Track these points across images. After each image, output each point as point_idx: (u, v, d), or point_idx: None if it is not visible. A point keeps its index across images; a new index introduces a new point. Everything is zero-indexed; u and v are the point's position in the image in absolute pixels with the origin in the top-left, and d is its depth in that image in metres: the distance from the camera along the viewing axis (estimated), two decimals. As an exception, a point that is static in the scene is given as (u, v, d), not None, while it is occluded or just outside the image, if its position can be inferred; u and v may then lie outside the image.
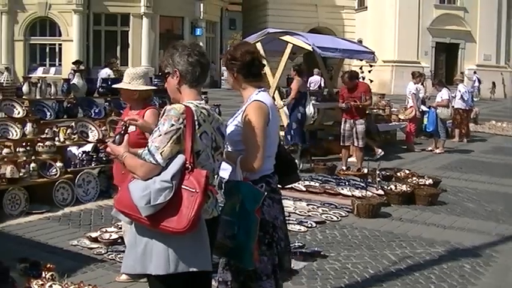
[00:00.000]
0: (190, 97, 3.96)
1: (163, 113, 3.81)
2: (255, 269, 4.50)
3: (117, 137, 4.02)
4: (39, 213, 9.10)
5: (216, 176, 4.05)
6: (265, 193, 4.40)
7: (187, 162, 3.70)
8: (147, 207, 3.63)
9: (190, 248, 3.75)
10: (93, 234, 7.92)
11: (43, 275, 6.14)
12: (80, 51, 40.13)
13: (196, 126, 3.78)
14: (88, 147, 10.86)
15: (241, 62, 4.55)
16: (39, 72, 37.32)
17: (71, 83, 10.94)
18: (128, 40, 41.79)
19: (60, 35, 41.32)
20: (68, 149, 10.70)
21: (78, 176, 9.91)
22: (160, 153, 3.68)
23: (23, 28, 41.02)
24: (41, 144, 9.79)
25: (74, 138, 10.55)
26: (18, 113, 9.87)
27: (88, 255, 7.32)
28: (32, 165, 9.47)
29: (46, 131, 10.11)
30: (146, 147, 3.75)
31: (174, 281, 3.79)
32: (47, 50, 41.93)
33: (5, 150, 9.35)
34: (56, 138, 10.27)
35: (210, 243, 3.93)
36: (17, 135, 9.63)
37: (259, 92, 4.59)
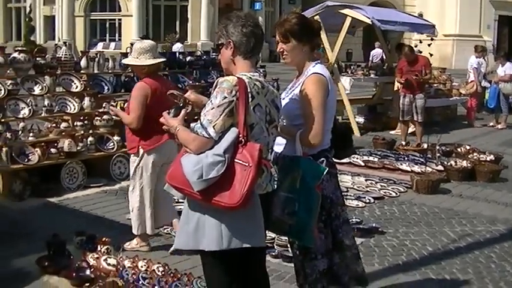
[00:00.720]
0: (244, 69, 3.85)
1: (216, 86, 3.72)
2: (309, 247, 4.41)
3: (173, 109, 3.96)
4: (97, 187, 9.17)
5: (270, 150, 3.94)
6: (327, 168, 4.26)
7: (240, 135, 3.61)
8: (199, 181, 3.55)
9: (244, 223, 3.67)
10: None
11: (98, 248, 6.15)
12: (139, 26, 40.33)
13: (250, 99, 3.68)
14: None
15: (314, 33, 4.48)
16: (99, 47, 37.65)
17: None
18: (187, 15, 41.72)
19: (119, 10, 41.55)
20: (126, 122, 10.71)
21: (135, 150, 9.90)
22: (213, 126, 3.59)
23: (83, 4, 41.45)
24: (99, 118, 9.85)
25: (131, 112, 10.55)
26: (76, 87, 9.91)
27: (144, 229, 7.30)
28: (90, 139, 9.54)
29: (103, 105, 10.15)
30: (199, 121, 3.67)
31: (227, 257, 3.73)
32: (107, 25, 42.24)
33: (63, 124, 9.41)
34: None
35: (264, 219, 3.85)
36: (75, 109, 9.69)
37: (316, 64, 4.46)
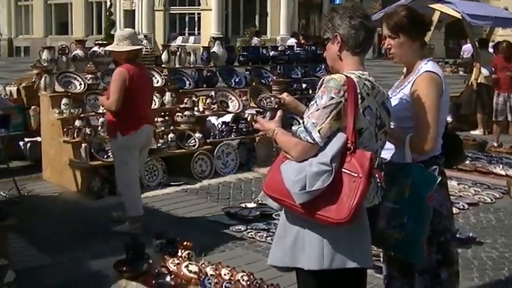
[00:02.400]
0: (353, 66, 3.42)
1: (321, 84, 3.30)
2: (412, 264, 3.94)
3: (268, 112, 3.57)
4: (177, 185, 8.87)
5: (377, 158, 3.48)
6: (439, 177, 3.78)
7: (348, 141, 3.18)
8: (301, 193, 3.14)
9: (349, 240, 3.25)
10: (232, 210, 7.57)
11: (179, 253, 5.82)
12: (218, 21, 40.21)
13: (359, 100, 3.25)
14: (228, 118, 10.57)
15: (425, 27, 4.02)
16: (179, 41, 37.75)
17: (211, 51, 10.61)
18: (267, 9, 41.36)
19: (199, 4, 41.48)
20: (208, 119, 10.44)
21: (217, 148, 9.60)
22: (318, 130, 3.17)
23: (163, -2, 41.61)
24: (180, 114, 9.56)
25: (214, 108, 10.26)
26: (157, 82, 9.64)
27: (226, 232, 6.98)
28: (171, 135, 9.26)
29: (185, 101, 9.87)
30: (301, 124, 3.26)
31: (328, 277, 3.29)
32: (186, 19, 42.24)
33: (145, 120, 9.14)
34: (195, 108, 10.02)
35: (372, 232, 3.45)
36: (155, 104, 9.40)
37: (428, 61, 3.98)
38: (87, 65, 8.97)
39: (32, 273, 5.73)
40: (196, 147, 9.39)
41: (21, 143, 9.79)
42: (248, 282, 5.23)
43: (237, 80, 10.81)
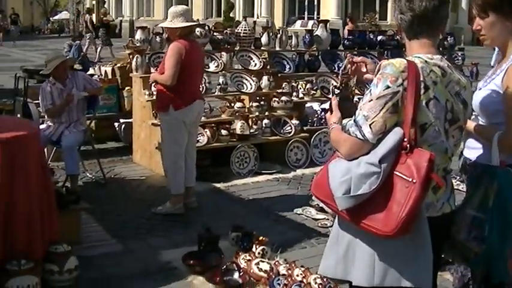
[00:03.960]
0: (421, 49, 2.90)
1: (378, 71, 2.81)
2: (501, 283, 3.35)
3: (339, 92, 3.10)
4: (269, 174, 8.47)
5: (450, 158, 2.93)
6: None
7: (405, 139, 2.68)
8: (344, 197, 2.70)
9: (404, 255, 2.75)
10: (321, 204, 7.08)
11: (253, 248, 5.43)
12: (338, 5, 39.60)
13: (422, 90, 2.73)
14: (327, 105, 10.02)
15: None
16: (298, 25, 37.40)
17: (314, 34, 10.12)
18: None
19: (319, -12, 41.05)
20: (308, 105, 9.99)
21: (314, 136, 9.10)
22: (370, 125, 2.70)
23: (283, -19, 41.35)
24: (277, 99, 9.14)
25: (314, 94, 9.78)
26: (255, 65, 9.27)
27: (311, 227, 6.52)
28: (265, 121, 8.86)
29: (283, 85, 9.45)
30: (353, 117, 2.78)
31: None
32: (306, 3, 41.88)
33: (238, 105, 8.84)
34: (294, 94, 9.57)
35: (442, 241, 2.98)
36: (251, 88, 9.05)
37: None
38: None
39: (98, 260, 5.52)
40: (292, 134, 8.94)
41: (116, 124, 9.70)
42: (320, 286, 4.76)
43: (340, 66, 10.23)
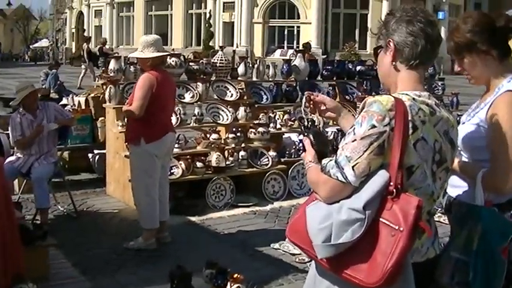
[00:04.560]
0: (408, 84, 2.72)
1: (362, 108, 2.61)
2: None
3: (311, 130, 2.94)
4: (245, 207, 8.29)
5: (435, 201, 2.76)
6: None
7: (391, 183, 2.49)
8: (324, 245, 2.51)
9: None
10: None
11: (228, 286, 5.24)
12: (318, 34, 39.78)
13: (410, 130, 2.55)
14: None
15: (500, 33, 3.20)
16: (277, 54, 37.51)
17: (292, 64, 10.04)
18: (367, 23, 40.58)
19: (298, 17, 41.20)
20: (286, 136, 9.85)
21: (292, 167, 8.95)
22: (353, 166, 2.50)
23: (262, 11, 41.49)
24: (254, 130, 9.00)
25: (292, 124, 9.65)
26: (232, 95, 9.15)
27: (289, 263, 6.34)
28: (242, 153, 8.70)
29: (260, 116, 9.32)
30: (334, 156, 2.60)
31: None
32: (285, 32, 42.01)
33: (213, 136, 8.66)
34: (271, 125, 9.44)
35: (425, 285, 2.77)
36: (227, 119, 8.91)
37: None
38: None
39: (65, 299, 5.31)
40: (269, 166, 8.79)
41: (90, 155, 9.52)
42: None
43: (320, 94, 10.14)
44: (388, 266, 2.39)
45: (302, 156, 2.90)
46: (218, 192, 8.24)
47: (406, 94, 2.65)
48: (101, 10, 52.31)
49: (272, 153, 8.90)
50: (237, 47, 39.62)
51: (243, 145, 8.80)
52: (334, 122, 3.32)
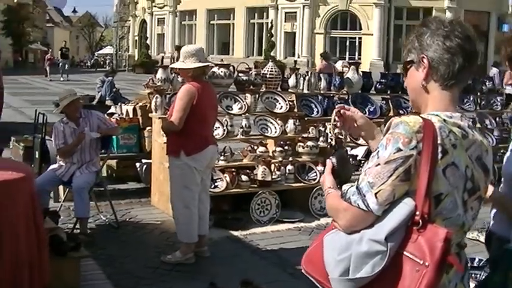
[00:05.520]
0: (440, 104, 2.45)
1: (387, 129, 2.36)
2: None
3: (335, 154, 2.69)
4: (290, 222, 8.07)
5: (466, 232, 2.51)
6: None
7: (417, 212, 2.24)
8: (341, 280, 2.29)
9: None
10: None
11: (261, 306, 5.06)
12: (379, 46, 39.40)
13: (439, 155, 2.29)
14: (359, 151, 9.64)
15: None
16: (338, 65, 37.10)
17: (345, 77, 9.79)
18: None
19: (360, 28, 40.84)
20: (335, 151, 9.57)
21: (341, 183, 8.67)
22: (376, 193, 2.26)
23: (324, 21, 41.26)
24: (302, 144, 8.77)
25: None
26: (281, 107, 8.93)
27: (329, 285, 6.08)
28: (289, 167, 8.50)
29: (310, 130, 9.09)
30: (355, 183, 2.36)
31: None
32: (347, 43, 41.65)
33: (260, 149, 8.47)
34: (321, 139, 9.21)
35: None
36: (276, 132, 8.69)
37: None
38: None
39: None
40: (317, 181, 8.54)
41: (137, 165, 9.45)
42: None
43: (371, 110, 9.86)
44: None
45: (321, 181, 2.66)
46: (263, 207, 8.05)
47: (436, 115, 2.39)
48: (164, 18, 52.76)
49: (321, 168, 8.65)
50: (299, 57, 39.54)
51: (290, 159, 8.59)
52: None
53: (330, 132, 2.79)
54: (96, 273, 6.00)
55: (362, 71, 10.14)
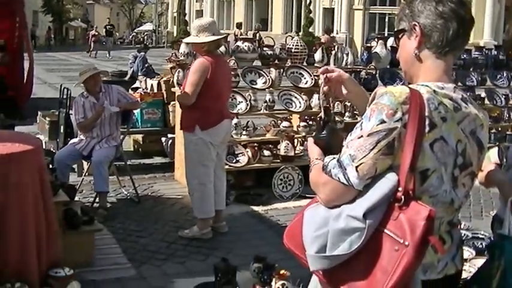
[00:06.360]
0: (433, 74, 2.33)
1: (372, 100, 2.25)
2: None
3: (325, 126, 2.59)
4: (313, 197, 7.96)
5: (458, 210, 2.37)
6: None
7: (400, 188, 2.12)
8: (317, 256, 2.20)
9: None
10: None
11: (273, 282, 4.98)
12: (418, 22, 38.79)
13: (426, 128, 2.17)
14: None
15: None
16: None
17: (373, 51, 9.62)
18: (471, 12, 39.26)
19: (400, 4, 40.20)
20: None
21: (365, 159, 8.55)
22: (356, 167, 2.15)
23: (363, -4, 40.77)
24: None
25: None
26: (306, 82, 8.81)
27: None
28: (313, 142, 8.37)
29: (335, 105, 8.96)
30: (337, 155, 2.25)
31: None
32: (386, 19, 41.05)
33: (284, 124, 8.41)
34: (347, 114, 9.10)
35: None
36: (300, 107, 8.58)
37: None
38: (228, 61, 8.29)
39: (105, 285, 5.21)
40: (341, 156, 8.43)
41: (163, 139, 9.43)
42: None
43: (400, 85, 9.68)
44: (389, 285, 2.04)
45: (308, 154, 2.56)
46: (286, 182, 7.97)
47: (426, 86, 2.27)
48: (203, -5, 52.82)
49: (340, 132, 8.52)
50: (337, 33, 39.12)
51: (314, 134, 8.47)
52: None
53: (320, 101, 2.68)
54: (112, 247, 6.01)
55: (391, 46, 9.95)
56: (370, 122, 2.17)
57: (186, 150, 6.46)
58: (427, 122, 2.17)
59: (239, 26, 30.05)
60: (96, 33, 41.73)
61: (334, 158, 2.27)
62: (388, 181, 2.14)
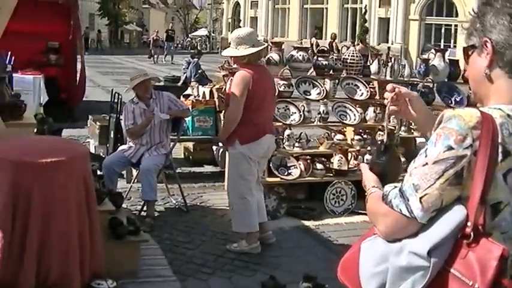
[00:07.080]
0: (505, 95, 2.06)
1: (438, 123, 2.01)
2: None
3: (376, 148, 2.37)
4: (365, 214, 7.71)
5: None
6: None
7: (469, 223, 1.89)
8: None
9: None
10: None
11: (322, 304, 4.79)
12: (475, 33, 38.10)
13: (499, 156, 1.92)
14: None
15: None
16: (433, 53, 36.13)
17: (430, 64, 9.32)
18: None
19: (456, 15, 39.44)
20: (421, 140, 9.15)
21: (422, 175, 8.27)
22: (420, 198, 1.92)
23: (419, 7, 40.09)
24: (382, 133, 8.35)
25: (427, 128, 8.95)
26: (362, 94, 8.56)
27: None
28: (367, 156, 8.10)
29: (391, 118, 8.66)
30: (400, 183, 2.03)
31: None
32: (442, 30, 40.41)
33: (338, 137, 8.18)
34: (403, 128, 8.80)
35: None
36: (355, 119, 8.33)
37: None
38: (282, 70, 8.11)
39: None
40: (396, 172, 8.17)
41: (214, 148, 9.29)
42: None
43: (458, 99, 9.33)
44: None
45: (363, 181, 2.33)
46: (338, 197, 7.73)
47: (499, 109, 2.01)
48: (257, 1, 52.77)
49: (401, 158, 8.25)
50: (392, 44, 38.68)
51: (369, 148, 8.23)
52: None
53: (385, 120, 2.46)
54: (158, 258, 5.86)
55: (449, 59, 9.65)
56: (436, 148, 1.94)
57: (228, 163, 6.35)
58: (500, 150, 1.93)
59: (334, 36, 29.68)
60: (157, 38, 41.56)
61: (395, 187, 2.04)
62: (456, 214, 1.91)
